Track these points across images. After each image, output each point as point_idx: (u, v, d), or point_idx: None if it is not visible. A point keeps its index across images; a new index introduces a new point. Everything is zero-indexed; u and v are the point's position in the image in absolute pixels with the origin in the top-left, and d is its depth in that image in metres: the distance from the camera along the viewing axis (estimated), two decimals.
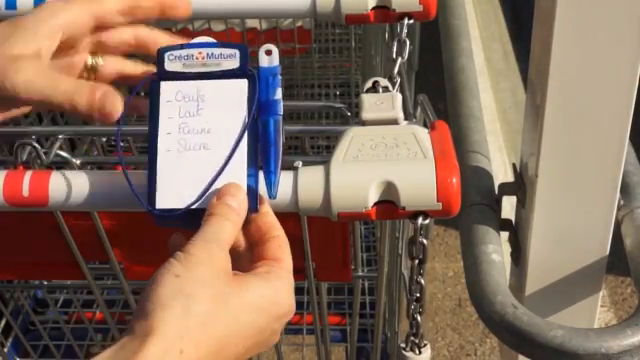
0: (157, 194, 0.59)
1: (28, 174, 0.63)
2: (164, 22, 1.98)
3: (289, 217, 0.61)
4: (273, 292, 0.55)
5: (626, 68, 0.70)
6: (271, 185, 0.59)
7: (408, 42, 0.78)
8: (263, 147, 0.59)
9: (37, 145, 0.85)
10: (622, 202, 0.81)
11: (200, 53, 0.61)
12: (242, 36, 1.80)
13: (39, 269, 1.08)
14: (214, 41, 0.62)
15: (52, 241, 0.95)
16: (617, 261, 0.91)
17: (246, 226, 0.59)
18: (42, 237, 0.97)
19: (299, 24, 1.81)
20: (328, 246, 0.96)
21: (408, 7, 0.78)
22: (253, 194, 0.59)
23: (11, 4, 0.82)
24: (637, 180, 0.82)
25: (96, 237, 0.94)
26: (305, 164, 0.62)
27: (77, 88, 0.60)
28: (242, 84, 0.61)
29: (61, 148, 0.88)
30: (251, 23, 1.79)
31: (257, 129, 0.60)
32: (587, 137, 0.75)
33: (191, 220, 0.58)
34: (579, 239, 0.81)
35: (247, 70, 0.61)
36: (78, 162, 0.87)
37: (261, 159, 0.59)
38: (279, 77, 0.61)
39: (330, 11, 0.79)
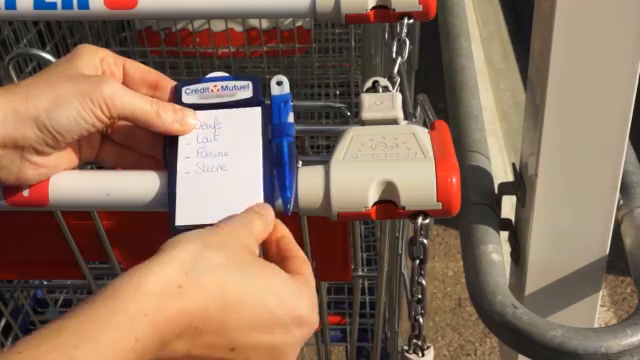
0: (177, 213, 0.60)
1: None
2: (164, 22, 1.97)
3: (289, 217, 0.61)
4: (297, 289, 0.54)
5: (626, 68, 0.70)
6: (287, 202, 0.60)
7: (408, 42, 0.78)
8: (278, 167, 0.61)
9: None
10: (622, 202, 0.81)
11: (215, 86, 0.65)
12: (242, 36, 1.80)
13: (39, 269, 1.08)
14: (228, 75, 0.66)
15: (52, 241, 0.95)
16: (617, 261, 0.91)
17: (265, 251, 0.60)
18: (42, 237, 0.97)
19: (299, 24, 1.81)
20: (328, 246, 0.96)
21: (408, 7, 0.78)
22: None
23: (11, 4, 0.82)
24: (637, 180, 0.82)
25: (96, 237, 0.94)
26: (305, 164, 0.62)
27: (160, 103, 0.62)
28: (256, 111, 0.64)
29: None
30: (251, 23, 1.79)
31: (271, 150, 0.62)
32: (587, 137, 0.75)
33: None
34: (579, 239, 0.81)
35: (260, 99, 0.64)
36: None
37: (276, 178, 0.61)
38: (290, 104, 0.64)
39: (330, 11, 0.79)
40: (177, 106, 0.63)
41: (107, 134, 0.66)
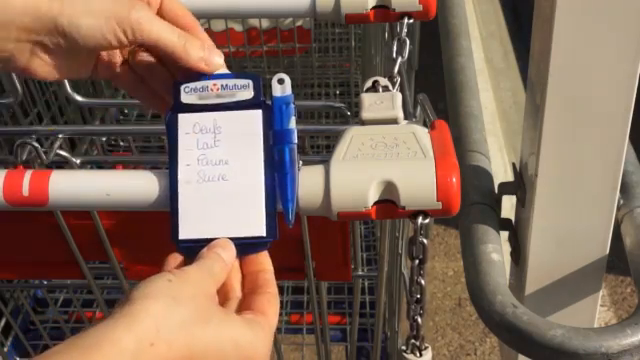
0: (180, 226, 0.60)
1: (28, 173, 0.63)
2: None
3: None
4: (253, 336, 0.56)
5: (626, 68, 0.70)
6: (288, 212, 0.60)
7: (408, 41, 0.78)
8: (279, 175, 0.60)
9: (37, 144, 0.85)
10: (622, 202, 0.81)
11: (215, 85, 0.63)
12: (242, 35, 1.80)
13: (39, 269, 1.08)
14: (228, 72, 0.65)
15: (52, 241, 0.95)
16: (617, 260, 0.91)
17: (242, 278, 0.61)
18: (42, 237, 0.97)
19: (299, 24, 1.81)
20: (328, 246, 0.96)
21: (408, 7, 0.78)
22: (272, 221, 0.60)
23: None
24: (637, 180, 0.82)
25: (96, 237, 0.94)
26: (305, 163, 0.62)
27: (189, 37, 0.62)
28: (257, 114, 0.62)
29: (61, 147, 0.88)
30: (251, 22, 1.79)
31: (273, 157, 0.61)
32: (587, 137, 0.75)
33: None
34: (579, 238, 0.81)
35: (261, 100, 0.63)
36: (78, 161, 0.87)
37: (278, 186, 0.60)
38: (292, 105, 0.62)
39: (330, 11, 0.79)
40: (206, 42, 0.63)
41: (127, 60, 0.66)
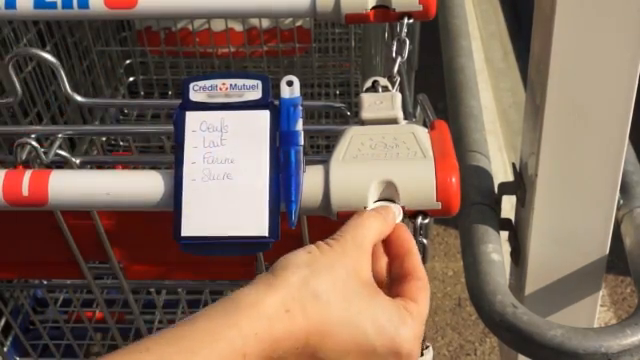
0: (183, 222, 0.60)
1: (28, 173, 0.63)
2: (164, 21, 1.96)
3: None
4: (401, 323, 0.54)
5: (626, 68, 0.70)
6: (291, 214, 0.60)
7: (408, 41, 0.78)
8: (284, 177, 0.60)
9: (37, 144, 0.85)
10: (622, 202, 0.81)
11: (224, 84, 0.63)
12: (242, 35, 1.80)
13: (39, 268, 1.08)
14: (238, 72, 0.64)
15: (52, 241, 0.95)
16: (617, 260, 0.91)
17: (389, 262, 0.59)
18: (42, 237, 0.97)
19: (299, 23, 1.81)
20: None
21: (408, 6, 0.78)
22: (275, 221, 0.60)
23: (11, 4, 0.82)
24: (637, 180, 0.82)
25: (96, 237, 0.94)
26: (305, 163, 0.62)
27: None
28: (264, 115, 0.62)
29: (61, 147, 0.88)
30: (251, 22, 1.79)
31: (278, 159, 0.61)
32: (587, 137, 0.75)
33: (215, 248, 0.61)
34: (579, 239, 0.81)
35: (269, 101, 0.63)
36: (77, 161, 0.87)
37: (282, 188, 0.60)
38: (300, 108, 0.62)
39: (330, 11, 0.79)
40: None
41: None
